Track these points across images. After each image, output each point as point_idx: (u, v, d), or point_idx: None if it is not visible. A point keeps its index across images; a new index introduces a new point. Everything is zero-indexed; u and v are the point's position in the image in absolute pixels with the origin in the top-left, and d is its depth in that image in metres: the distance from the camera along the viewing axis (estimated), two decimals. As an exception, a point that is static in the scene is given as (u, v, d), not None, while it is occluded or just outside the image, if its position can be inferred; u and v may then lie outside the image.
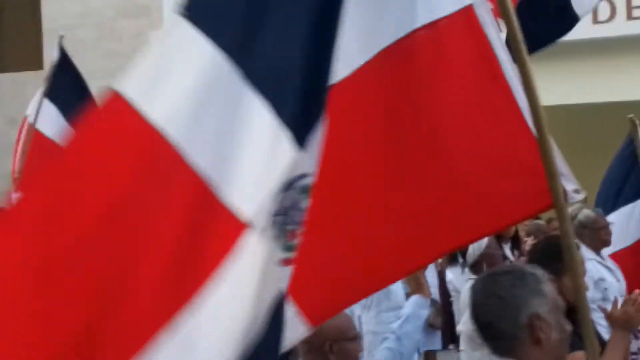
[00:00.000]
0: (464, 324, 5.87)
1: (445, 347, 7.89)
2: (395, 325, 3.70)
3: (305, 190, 2.06)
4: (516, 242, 8.25)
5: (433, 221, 2.62)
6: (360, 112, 2.64)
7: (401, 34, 2.67)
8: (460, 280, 6.82)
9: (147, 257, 1.97)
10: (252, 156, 2.01)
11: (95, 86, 14.74)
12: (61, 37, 8.28)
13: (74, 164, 2.03)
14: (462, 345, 6.09)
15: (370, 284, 2.78)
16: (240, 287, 1.97)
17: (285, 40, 2.07)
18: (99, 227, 1.98)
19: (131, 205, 2.00)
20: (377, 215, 2.65)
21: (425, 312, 3.80)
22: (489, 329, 2.54)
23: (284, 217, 2.03)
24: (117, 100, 2.12)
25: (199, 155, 2.00)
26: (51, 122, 7.95)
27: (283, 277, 2.06)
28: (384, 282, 2.85)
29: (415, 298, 3.72)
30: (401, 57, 2.64)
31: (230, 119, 2.03)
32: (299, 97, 2.05)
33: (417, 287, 3.73)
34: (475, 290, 2.62)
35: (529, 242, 8.12)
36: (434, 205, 2.61)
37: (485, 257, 5.95)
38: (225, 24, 2.09)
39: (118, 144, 2.05)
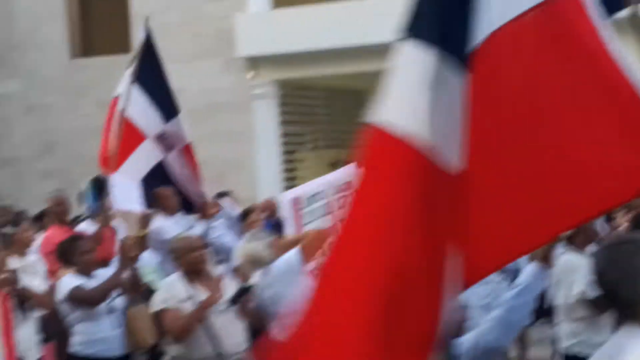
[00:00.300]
0: (562, 297, 5.94)
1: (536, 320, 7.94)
2: (509, 294, 3.61)
3: None
4: (608, 216, 8.18)
5: (558, 194, 2.69)
6: (504, 74, 2.75)
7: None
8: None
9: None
10: None
11: (182, 68, 15.18)
12: (147, 20, 8.51)
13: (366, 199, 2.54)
14: (559, 317, 6.14)
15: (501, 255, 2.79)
16: None
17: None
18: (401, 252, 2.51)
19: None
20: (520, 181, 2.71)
21: (542, 284, 3.70)
22: (611, 296, 2.65)
23: None
24: (384, 134, 2.61)
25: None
26: (139, 108, 8.24)
27: None
28: (512, 256, 2.85)
29: (533, 267, 3.61)
30: (527, 29, 2.75)
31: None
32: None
33: (543, 255, 3.59)
34: (598, 259, 2.71)
35: (620, 216, 8.07)
36: (558, 179, 2.68)
37: (581, 231, 5.98)
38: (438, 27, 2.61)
39: (396, 172, 2.52)
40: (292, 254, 5.50)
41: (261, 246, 5.92)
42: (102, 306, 6.37)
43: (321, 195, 5.67)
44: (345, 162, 17.51)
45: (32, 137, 15.95)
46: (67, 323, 6.50)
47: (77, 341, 6.51)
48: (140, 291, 6.64)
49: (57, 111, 15.89)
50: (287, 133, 14.97)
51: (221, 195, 9.87)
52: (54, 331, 6.81)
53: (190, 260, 5.86)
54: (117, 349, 6.53)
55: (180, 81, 15.63)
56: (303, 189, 5.70)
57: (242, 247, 6.07)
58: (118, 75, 9.72)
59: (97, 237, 7.33)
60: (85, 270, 6.46)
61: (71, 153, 15.65)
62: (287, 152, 15.27)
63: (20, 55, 16.10)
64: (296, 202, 5.51)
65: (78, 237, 6.74)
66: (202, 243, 6.11)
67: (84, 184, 9.26)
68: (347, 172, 6.25)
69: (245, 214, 8.40)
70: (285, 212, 5.66)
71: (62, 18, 16.02)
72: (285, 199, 5.65)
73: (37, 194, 13.56)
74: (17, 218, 10.13)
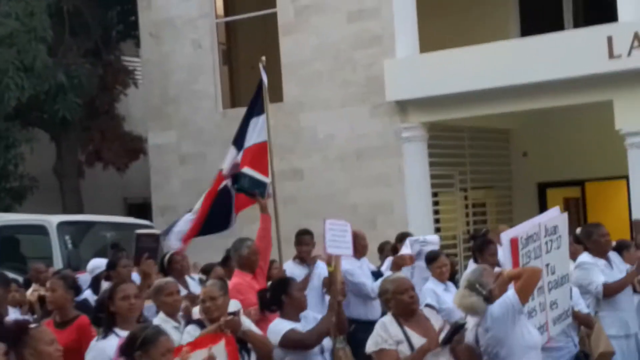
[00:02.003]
0: None
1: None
2: None
3: None
4: None
5: None
6: None
7: None
8: None
9: None
10: None
11: (332, 115, 15.53)
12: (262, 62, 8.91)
13: None
14: None
15: None
16: None
17: None
18: None
19: None
20: None
21: None
22: None
23: None
24: None
25: None
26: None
27: None
28: None
29: None
30: None
31: None
32: None
33: None
34: None
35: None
36: None
37: None
38: None
39: None
40: (510, 296, 5.63)
41: (474, 296, 5.97)
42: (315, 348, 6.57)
43: (535, 237, 5.81)
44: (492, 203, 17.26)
45: (187, 185, 16.59)
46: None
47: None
48: (346, 331, 6.85)
49: (210, 160, 16.49)
50: (434, 175, 15.15)
51: (403, 236, 9.97)
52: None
53: (402, 302, 6.00)
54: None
55: (331, 127, 16.16)
56: (520, 230, 5.84)
57: (459, 295, 6.14)
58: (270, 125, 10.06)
59: (305, 283, 7.58)
60: (294, 315, 6.67)
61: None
62: (435, 194, 15.43)
63: (175, 108, 16.83)
64: (514, 243, 5.66)
65: (289, 280, 6.95)
66: (412, 284, 6.26)
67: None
68: (554, 216, 6.41)
69: (433, 258, 8.54)
70: (504, 252, 5.82)
71: (213, 71, 16.68)
72: (504, 240, 5.80)
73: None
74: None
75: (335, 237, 7.10)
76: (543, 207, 15.20)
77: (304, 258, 9.08)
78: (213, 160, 16.50)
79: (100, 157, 18.39)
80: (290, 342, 6.42)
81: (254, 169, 8.50)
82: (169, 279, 7.07)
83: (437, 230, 14.96)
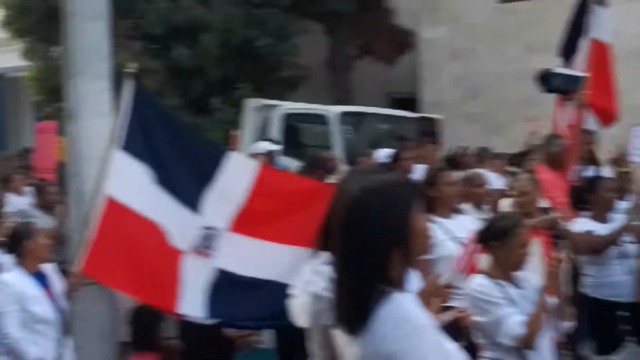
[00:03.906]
0: None
1: None
2: None
3: None
4: None
5: None
6: None
7: None
8: None
9: None
10: None
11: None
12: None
13: None
14: None
15: None
16: None
17: None
18: None
19: None
20: None
21: None
22: None
23: None
24: None
25: None
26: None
27: None
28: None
29: None
30: None
31: None
32: None
33: None
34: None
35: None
36: None
37: None
38: None
39: None
40: None
41: None
42: (614, 251, 6.39)
43: None
44: None
45: (457, 81, 16.42)
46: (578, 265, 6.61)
47: (588, 283, 6.62)
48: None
49: (482, 56, 16.19)
50: None
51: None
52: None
53: None
54: (626, 295, 6.52)
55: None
56: None
57: None
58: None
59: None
60: (601, 215, 6.47)
61: (495, 97, 15.92)
62: None
63: (447, 2, 16.57)
64: None
65: (599, 179, 6.72)
66: None
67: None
68: None
69: None
70: None
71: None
72: None
73: (461, 137, 14.01)
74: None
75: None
76: None
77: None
78: (485, 56, 16.24)
79: (369, 50, 18.54)
80: (583, 243, 6.29)
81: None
82: (479, 170, 7.05)
83: None
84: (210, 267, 5.32)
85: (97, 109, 5.91)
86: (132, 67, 5.38)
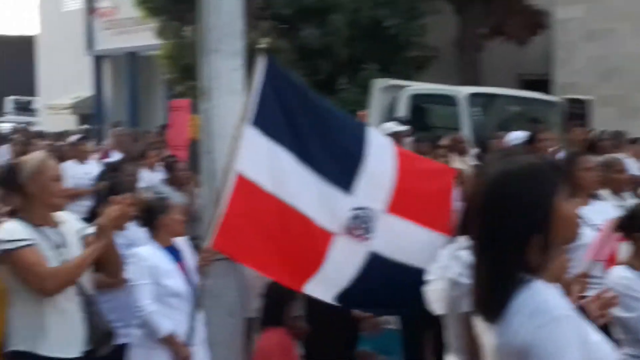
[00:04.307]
0: None
1: None
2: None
3: None
4: None
5: None
6: None
7: None
8: None
9: None
10: None
11: None
12: None
13: None
14: None
15: None
16: None
17: None
18: None
19: None
20: None
21: None
22: None
23: None
24: None
25: None
26: None
27: None
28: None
29: None
30: None
31: None
32: None
33: None
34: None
35: None
36: None
37: None
38: None
39: None
40: None
41: None
42: None
43: None
44: None
45: (592, 63, 15.92)
46: None
47: None
48: None
49: (620, 36, 15.64)
50: None
51: None
52: None
53: None
54: None
55: None
56: None
57: None
58: None
59: None
60: None
61: (633, 79, 15.36)
62: None
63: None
64: None
65: None
66: None
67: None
68: None
69: None
70: None
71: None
72: None
73: (596, 120, 13.55)
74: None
75: None
76: None
77: None
78: (623, 37, 15.68)
79: (501, 30, 18.16)
80: None
81: None
82: (617, 156, 6.80)
83: None
84: (365, 250, 5.20)
85: (230, 87, 5.94)
86: (264, 43, 5.37)
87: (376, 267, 5.19)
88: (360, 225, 5.18)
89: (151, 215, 5.13)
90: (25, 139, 13.81)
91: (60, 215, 4.34)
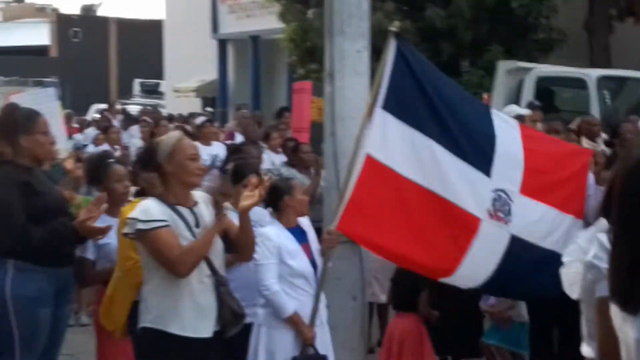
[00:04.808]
0: None
1: None
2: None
3: None
4: None
5: None
6: None
7: None
8: None
9: None
10: None
11: None
12: None
13: None
14: None
15: None
16: None
17: None
18: None
19: None
20: None
21: None
22: None
23: None
24: None
25: None
26: None
27: None
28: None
29: None
30: None
31: None
32: None
33: None
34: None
35: None
36: None
37: None
38: None
39: None
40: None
41: None
42: None
43: None
44: None
45: None
46: None
47: None
48: None
49: None
50: None
51: None
52: None
53: None
54: None
55: None
56: None
57: None
58: None
59: None
60: None
61: None
62: None
63: None
64: None
65: None
66: None
67: None
68: None
69: None
70: None
71: None
72: None
73: None
74: None
75: None
76: None
77: None
78: None
79: (632, 11, 17.51)
80: None
81: None
82: None
83: None
84: (507, 234, 5.10)
85: (355, 69, 5.92)
86: (395, 26, 5.30)
87: (517, 251, 5.10)
88: (501, 207, 5.11)
89: (276, 196, 5.15)
90: (154, 121, 14.16)
91: (195, 194, 4.39)
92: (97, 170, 5.52)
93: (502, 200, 5.10)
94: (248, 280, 5.44)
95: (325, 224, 5.57)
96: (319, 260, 5.16)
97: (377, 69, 5.27)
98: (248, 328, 5.16)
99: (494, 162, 5.11)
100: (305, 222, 5.28)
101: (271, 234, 5.10)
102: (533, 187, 5.15)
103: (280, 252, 5.05)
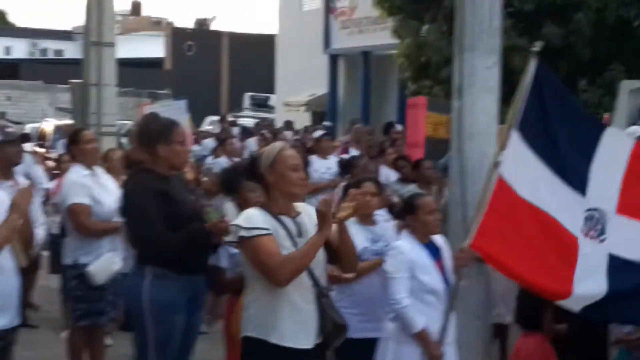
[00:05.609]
0: None
1: None
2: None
3: None
4: None
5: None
6: None
7: None
8: None
9: None
10: None
11: None
12: None
13: None
14: None
15: None
16: None
17: None
18: None
19: None
20: None
21: None
22: None
23: None
24: None
25: None
26: None
27: None
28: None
29: None
30: None
31: None
32: None
33: None
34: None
35: None
36: None
37: None
38: None
39: None
40: None
41: None
42: None
43: None
44: None
45: None
46: None
47: None
48: None
49: None
50: None
51: None
52: None
53: None
54: None
55: None
56: None
57: None
58: None
59: None
60: None
61: None
62: None
63: None
64: None
65: None
66: None
67: None
68: None
69: None
70: None
71: None
72: None
73: None
74: None
75: None
76: None
77: None
78: None
79: None
80: None
81: None
82: None
83: None
84: (604, 252, 5.07)
85: (485, 85, 5.87)
86: (537, 45, 5.27)
87: (618, 269, 5.03)
88: (593, 226, 5.07)
89: (407, 211, 5.14)
90: (272, 134, 14.36)
91: (300, 205, 4.39)
92: (233, 182, 5.62)
93: (596, 219, 5.08)
94: (372, 294, 5.45)
95: (450, 241, 5.53)
96: (451, 278, 5.12)
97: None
98: (371, 343, 5.15)
99: (589, 181, 5.11)
100: (440, 239, 5.26)
101: (404, 247, 5.09)
102: (632, 206, 5.09)
103: (413, 267, 5.03)
